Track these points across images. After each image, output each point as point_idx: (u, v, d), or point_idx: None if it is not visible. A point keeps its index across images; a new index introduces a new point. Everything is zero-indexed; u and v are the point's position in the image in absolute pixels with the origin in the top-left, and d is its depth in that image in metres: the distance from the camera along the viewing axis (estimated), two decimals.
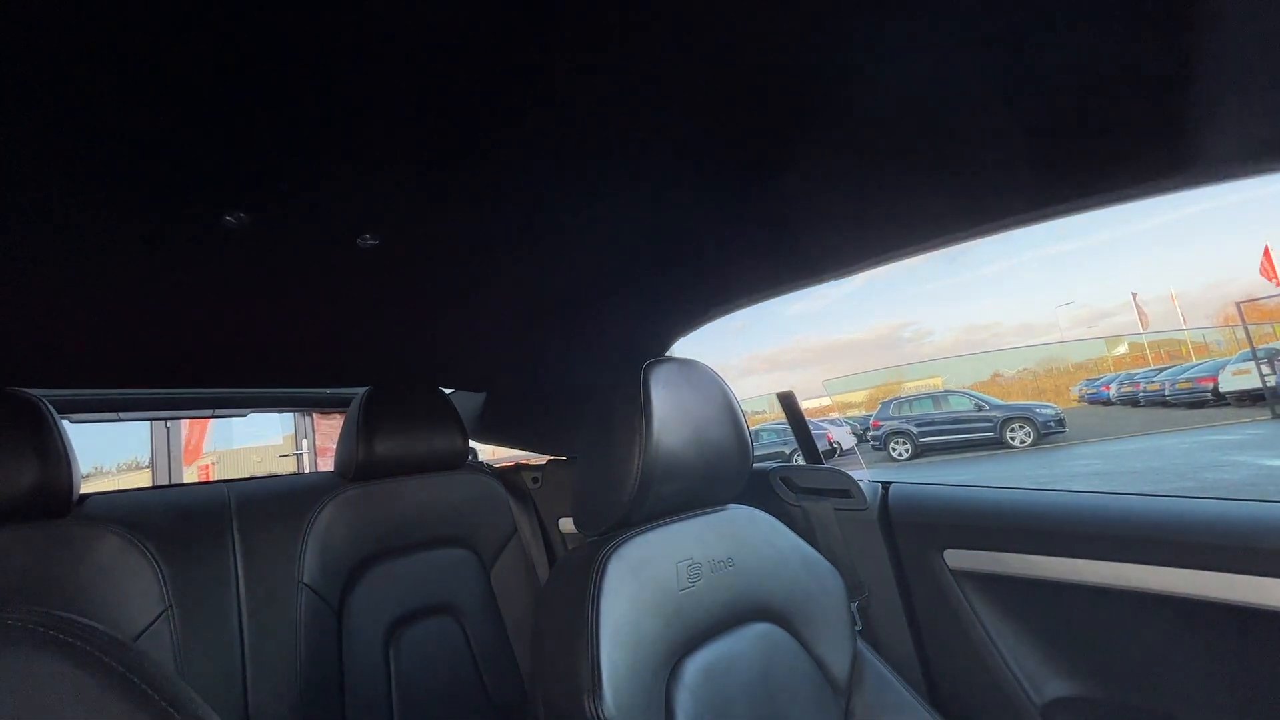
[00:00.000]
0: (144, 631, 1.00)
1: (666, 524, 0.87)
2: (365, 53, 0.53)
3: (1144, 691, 0.91)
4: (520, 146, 0.71)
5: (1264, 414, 9.83)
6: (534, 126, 0.67)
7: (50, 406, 1.01)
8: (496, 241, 0.95)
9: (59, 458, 0.98)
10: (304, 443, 6.40)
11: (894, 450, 11.42)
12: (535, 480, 1.65)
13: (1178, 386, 11.92)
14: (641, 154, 0.75)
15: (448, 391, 1.62)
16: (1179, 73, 0.58)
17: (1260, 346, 10.47)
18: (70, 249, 0.73)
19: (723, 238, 1.00)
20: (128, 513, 1.09)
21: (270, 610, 1.13)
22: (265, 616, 1.12)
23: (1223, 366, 11.08)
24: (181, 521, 1.13)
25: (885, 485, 1.20)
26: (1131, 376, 14.99)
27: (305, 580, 1.17)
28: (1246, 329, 11.47)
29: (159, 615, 1.02)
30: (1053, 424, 10.45)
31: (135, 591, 1.01)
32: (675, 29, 0.54)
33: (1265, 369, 9.90)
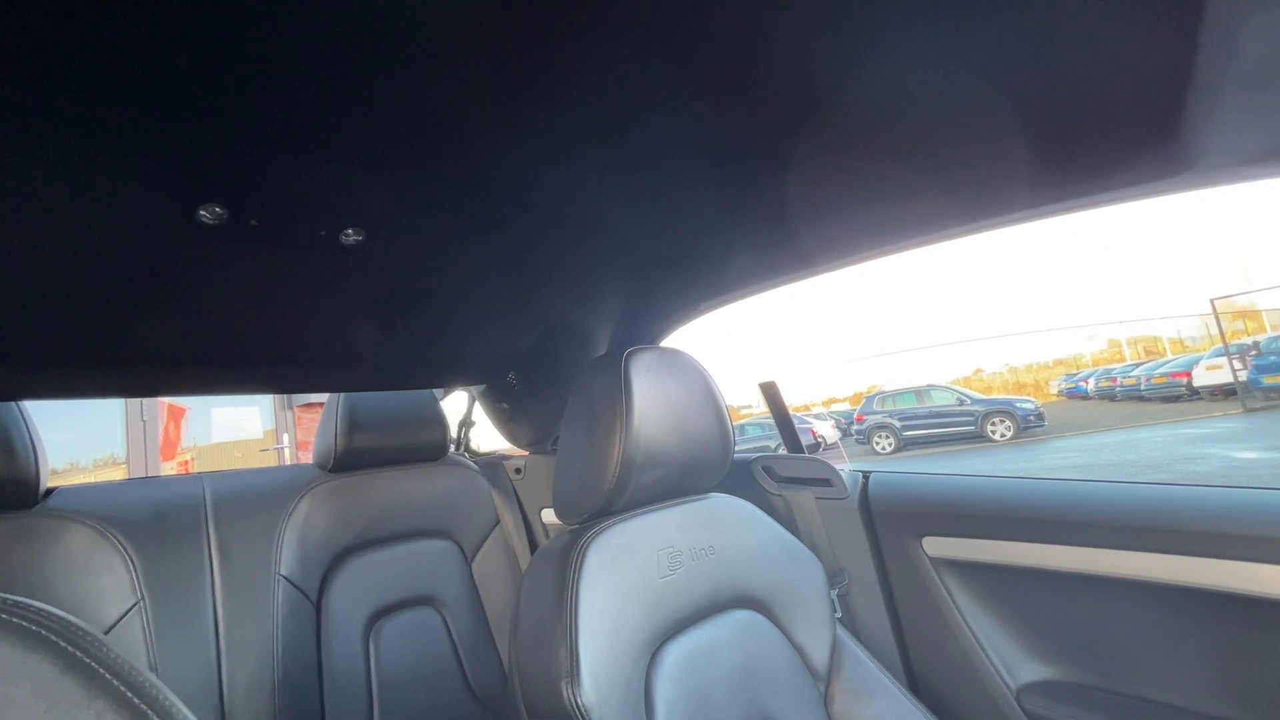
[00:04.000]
0: (115, 624, 0.98)
1: (647, 512, 0.87)
2: (348, 40, 0.52)
3: (1116, 675, 0.93)
4: (508, 140, 0.70)
5: (1236, 408, 10.07)
6: (523, 120, 0.66)
7: None
8: (484, 235, 0.94)
9: (24, 447, 0.95)
10: (284, 436, 6.34)
11: (877, 444, 11.53)
12: (518, 471, 1.64)
13: (1153, 381, 12.17)
14: (634, 148, 0.74)
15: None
16: (1183, 70, 0.57)
17: (1233, 342, 10.71)
18: (26, 237, 0.69)
19: (716, 230, 1.00)
20: (98, 505, 1.06)
21: (246, 602, 1.11)
22: (241, 608, 1.11)
23: (1197, 362, 11.33)
24: (154, 514, 1.11)
25: (866, 475, 1.20)
26: (1109, 371, 15.28)
27: (283, 572, 1.16)
28: (1220, 325, 11.72)
29: (130, 608, 1.00)
30: (1032, 418, 10.61)
31: (106, 584, 0.99)
32: (671, 23, 0.53)
33: (1237, 364, 10.14)
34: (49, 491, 1.06)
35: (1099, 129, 0.67)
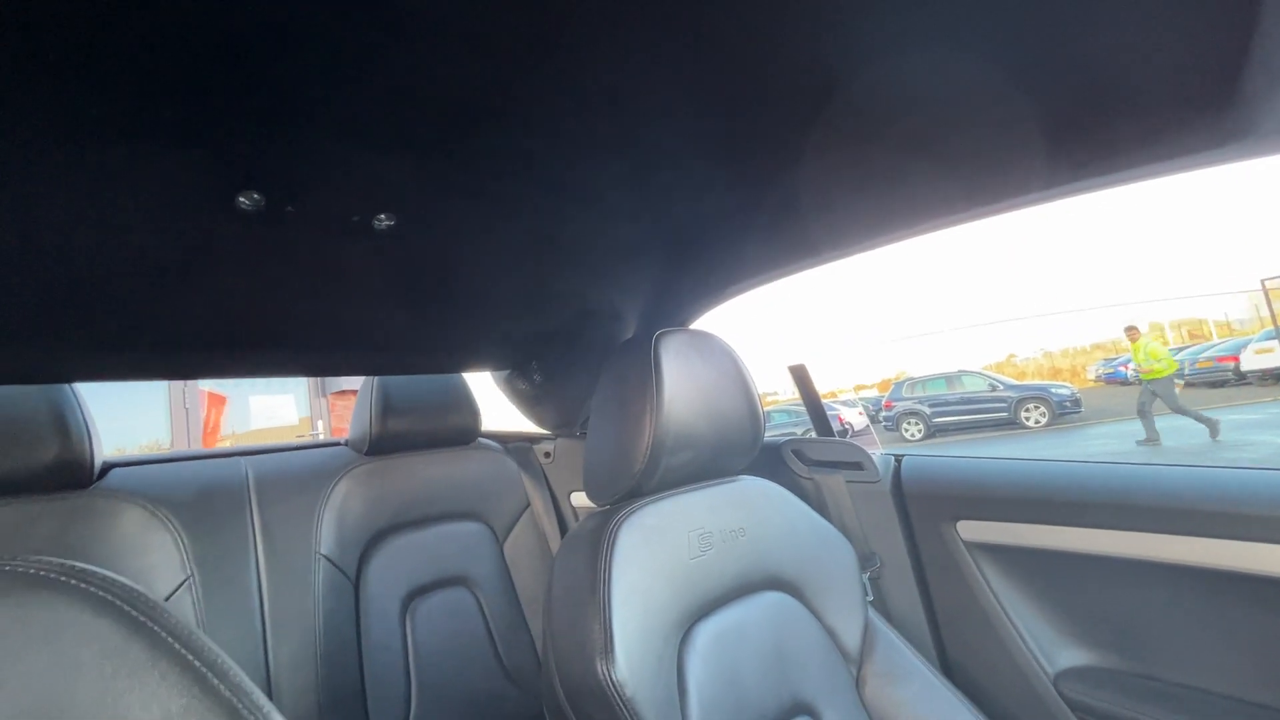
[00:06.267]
0: (167, 599, 1.02)
1: (678, 494, 0.87)
2: (382, 27, 0.52)
3: (1157, 661, 0.91)
4: (538, 126, 0.70)
5: None
6: (552, 107, 0.67)
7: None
8: (515, 219, 0.95)
9: (79, 430, 1.00)
10: (319, 423, 6.51)
11: (906, 431, 11.36)
12: (547, 455, 1.66)
13: (1198, 365, 11.69)
14: (659, 132, 0.74)
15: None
16: (1239, 37, 0.55)
17: None
18: (76, 227, 0.71)
19: (743, 214, 0.99)
20: (149, 485, 1.11)
21: (289, 580, 1.15)
22: (284, 586, 1.15)
23: (1245, 345, 10.86)
24: (201, 494, 1.15)
25: (898, 458, 1.19)
26: None
27: (323, 551, 1.19)
28: (1270, 305, 11.21)
29: (181, 584, 1.04)
30: (1068, 404, 10.32)
31: (158, 561, 1.04)
32: (689, 17, 0.54)
33: None
34: (104, 472, 1.11)
35: (1117, 108, 0.65)
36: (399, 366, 1.36)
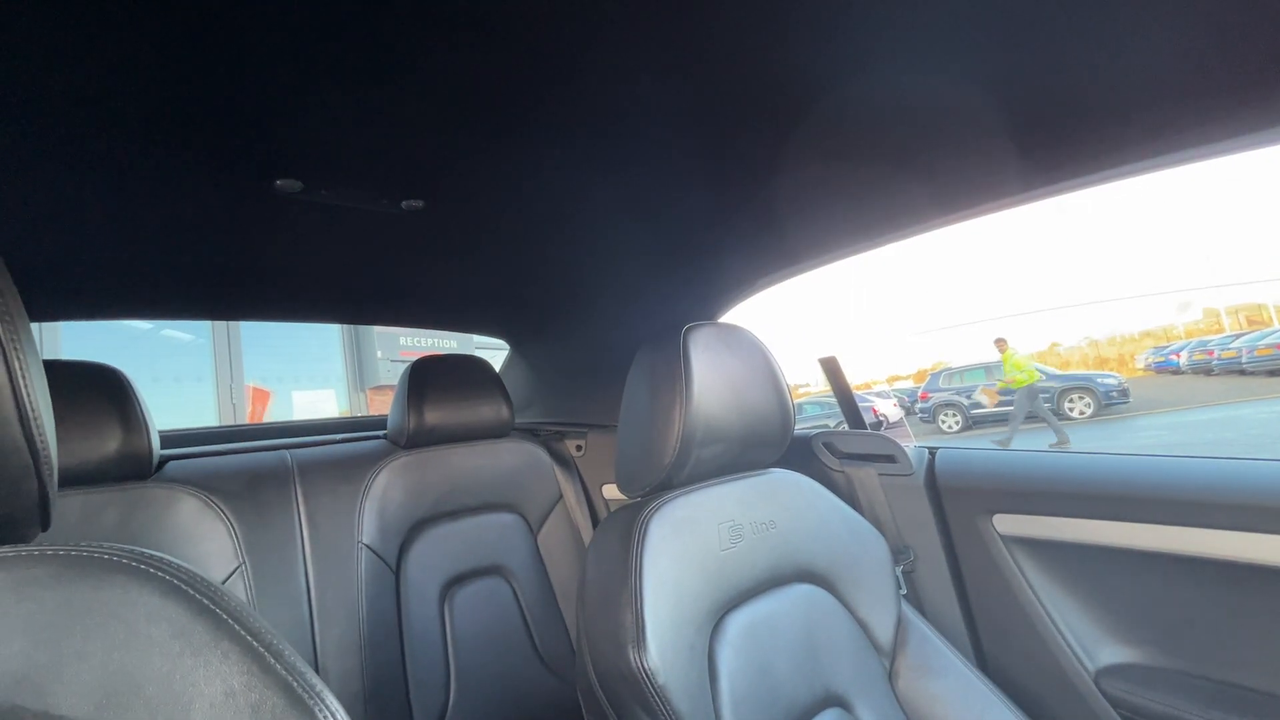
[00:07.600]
0: (221, 584, 1.08)
1: (708, 486, 0.88)
2: (413, 29, 0.55)
3: (1204, 659, 0.88)
4: (563, 116, 0.72)
5: None
6: (576, 97, 0.68)
7: (130, 379, 1.09)
8: (539, 206, 0.97)
9: (139, 425, 1.06)
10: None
11: (943, 423, 11.10)
12: (579, 448, 1.68)
13: (1257, 353, 11.09)
14: (684, 117, 0.75)
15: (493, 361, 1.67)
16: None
17: None
18: (122, 198, 0.83)
19: (771, 206, 0.99)
20: (203, 476, 1.17)
21: (333, 568, 1.20)
22: (329, 574, 1.19)
23: None
24: (250, 484, 1.21)
25: (932, 451, 1.17)
26: (1205, 343, 14.02)
27: (364, 540, 1.24)
28: None
29: (234, 571, 1.09)
30: (1115, 394, 9.94)
31: (213, 549, 1.09)
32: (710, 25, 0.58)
33: None
34: (161, 463, 1.17)
35: (1091, 110, 0.67)
36: (417, 322, 1.65)
